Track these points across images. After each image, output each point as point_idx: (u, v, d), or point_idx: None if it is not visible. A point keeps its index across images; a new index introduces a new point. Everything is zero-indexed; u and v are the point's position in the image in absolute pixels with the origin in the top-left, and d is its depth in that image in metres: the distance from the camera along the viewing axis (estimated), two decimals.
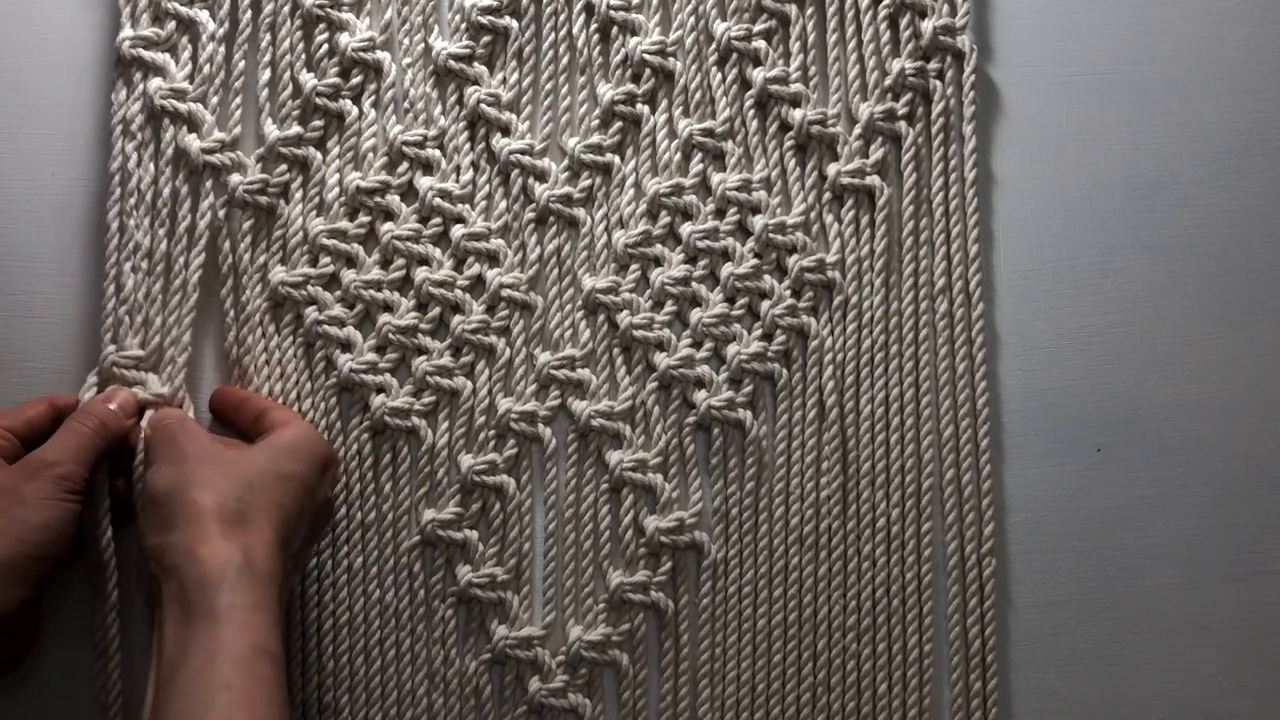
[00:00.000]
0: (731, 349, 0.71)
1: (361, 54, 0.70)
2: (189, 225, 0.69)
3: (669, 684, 0.70)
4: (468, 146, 0.71)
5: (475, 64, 0.71)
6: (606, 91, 0.71)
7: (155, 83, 0.69)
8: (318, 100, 0.70)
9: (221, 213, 0.69)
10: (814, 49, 0.72)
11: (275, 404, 0.68)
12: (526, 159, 0.71)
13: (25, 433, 0.64)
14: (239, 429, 0.67)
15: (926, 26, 0.72)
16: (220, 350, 0.69)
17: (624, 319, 0.71)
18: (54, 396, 0.66)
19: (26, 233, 0.69)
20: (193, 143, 0.69)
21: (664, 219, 0.71)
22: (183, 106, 0.69)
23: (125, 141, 0.69)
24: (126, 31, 0.69)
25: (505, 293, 0.70)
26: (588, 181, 0.71)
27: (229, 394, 0.68)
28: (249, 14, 0.70)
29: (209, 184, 0.69)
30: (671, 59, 0.72)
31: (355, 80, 0.70)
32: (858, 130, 0.72)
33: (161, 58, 0.69)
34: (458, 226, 0.70)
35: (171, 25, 0.70)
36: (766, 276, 0.71)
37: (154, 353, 0.68)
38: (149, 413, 0.66)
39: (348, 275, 0.70)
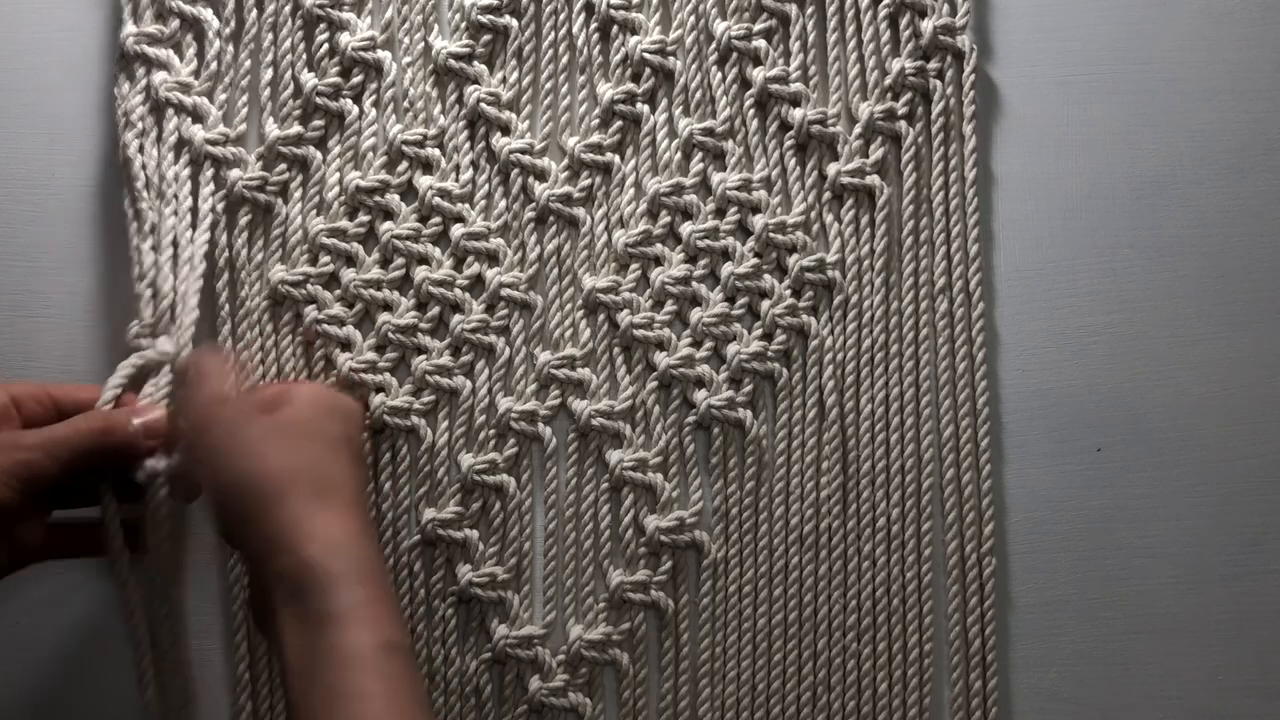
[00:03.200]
0: (731, 349, 0.71)
1: (362, 53, 0.70)
2: (191, 206, 0.69)
3: (669, 683, 0.70)
4: (467, 146, 0.71)
5: (475, 63, 0.71)
6: (606, 91, 0.71)
7: (160, 75, 0.69)
8: (318, 100, 0.70)
9: (220, 206, 0.69)
10: (814, 48, 0.72)
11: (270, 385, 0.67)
12: (526, 158, 0.71)
13: (28, 401, 0.62)
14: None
15: (926, 26, 0.72)
16: (217, 344, 0.69)
17: (624, 318, 0.71)
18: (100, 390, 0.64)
19: (28, 231, 0.69)
20: (197, 133, 0.69)
21: (664, 218, 0.71)
22: (187, 99, 0.69)
23: (128, 131, 0.68)
24: (130, 28, 0.69)
25: (505, 292, 0.70)
26: (588, 181, 0.71)
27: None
28: (253, 13, 0.70)
29: (209, 174, 0.69)
30: (671, 58, 0.72)
31: (356, 80, 0.70)
32: (858, 130, 0.72)
33: (165, 54, 0.69)
34: (457, 226, 0.70)
35: (175, 23, 0.70)
36: (766, 276, 0.71)
37: (162, 315, 0.67)
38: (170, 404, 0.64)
39: (347, 274, 0.70)
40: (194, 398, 0.62)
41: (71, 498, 0.62)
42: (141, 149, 0.69)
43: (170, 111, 0.69)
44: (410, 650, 0.54)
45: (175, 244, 0.68)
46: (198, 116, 0.69)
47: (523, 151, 0.71)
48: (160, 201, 0.68)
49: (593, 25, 0.72)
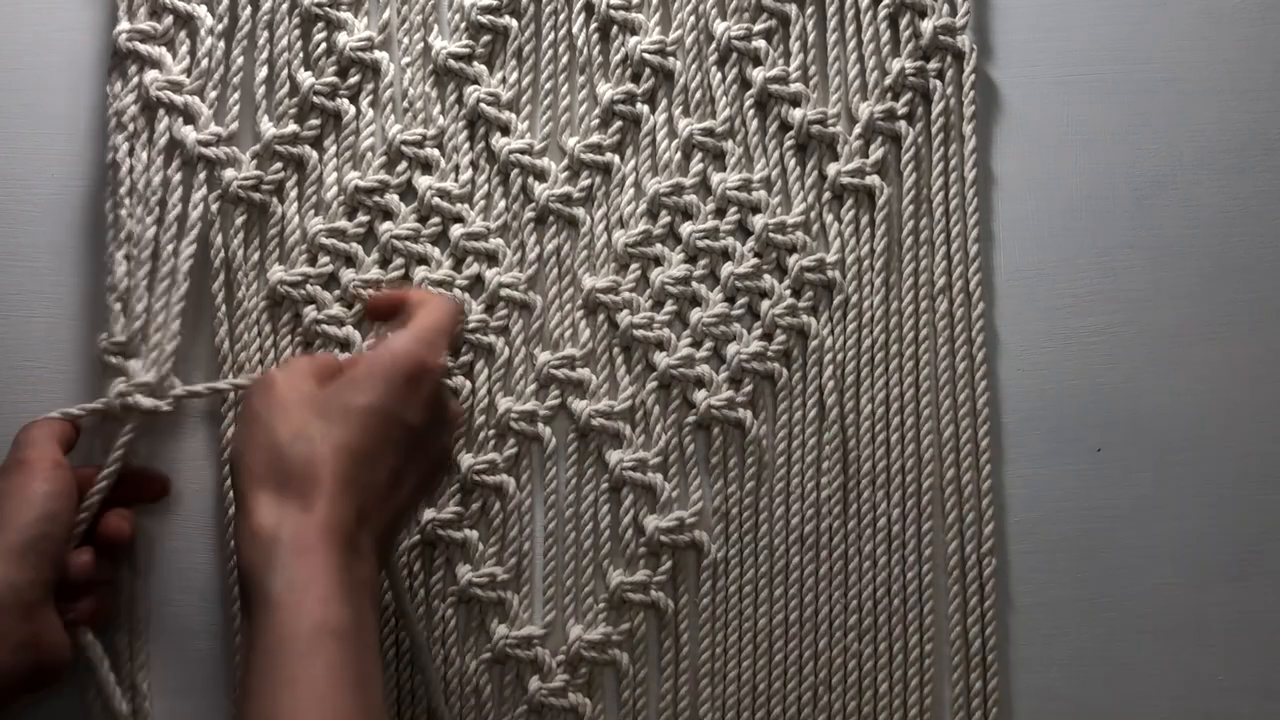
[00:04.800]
0: (731, 349, 0.71)
1: (359, 53, 0.70)
2: (179, 215, 0.69)
3: (669, 684, 0.70)
4: (467, 146, 0.71)
5: (475, 63, 0.71)
6: (606, 91, 0.71)
7: (152, 74, 0.69)
8: (315, 99, 0.70)
9: (214, 207, 0.69)
10: (814, 49, 0.72)
11: (414, 293, 0.64)
12: (526, 158, 0.71)
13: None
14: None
15: (926, 26, 0.72)
16: (212, 345, 0.69)
17: (624, 318, 0.71)
18: None
19: (25, 231, 0.69)
20: (189, 134, 0.69)
21: (664, 218, 0.71)
22: (179, 98, 0.69)
23: (118, 134, 0.68)
24: (124, 24, 0.69)
25: (504, 292, 0.70)
26: (587, 181, 0.71)
27: (382, 302, 0.66)
28: (247, 10, 0.70)
29: (202, 176, 0.69)
30: (671, 58, 0.72)
31: (353, 79, 0.70)
32: (858, 130, 0.72)
33: (158, 51, 0.69)
34: (457, 226, 0.70)
35: (169, 20, 0.70)
36: (766, 276, 0.71)
37: (135, 336, 0.67)
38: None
39: (347, 274, 0.70)
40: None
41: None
42: (131, 151, 0.68)
43: (161, 111, 0.69)
44: (351, 633, 0.52)
45: (155, 256, 0.68)
46: (189, 117, 0.69)
47: (522, 151, 0.71)
48: (144, 209, 0.68)
49: (593, 25, 0.72)
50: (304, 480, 0.54)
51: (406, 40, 0.71)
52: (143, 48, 0.69)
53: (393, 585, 0.66)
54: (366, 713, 0.51)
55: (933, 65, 0.72)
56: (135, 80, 0.69)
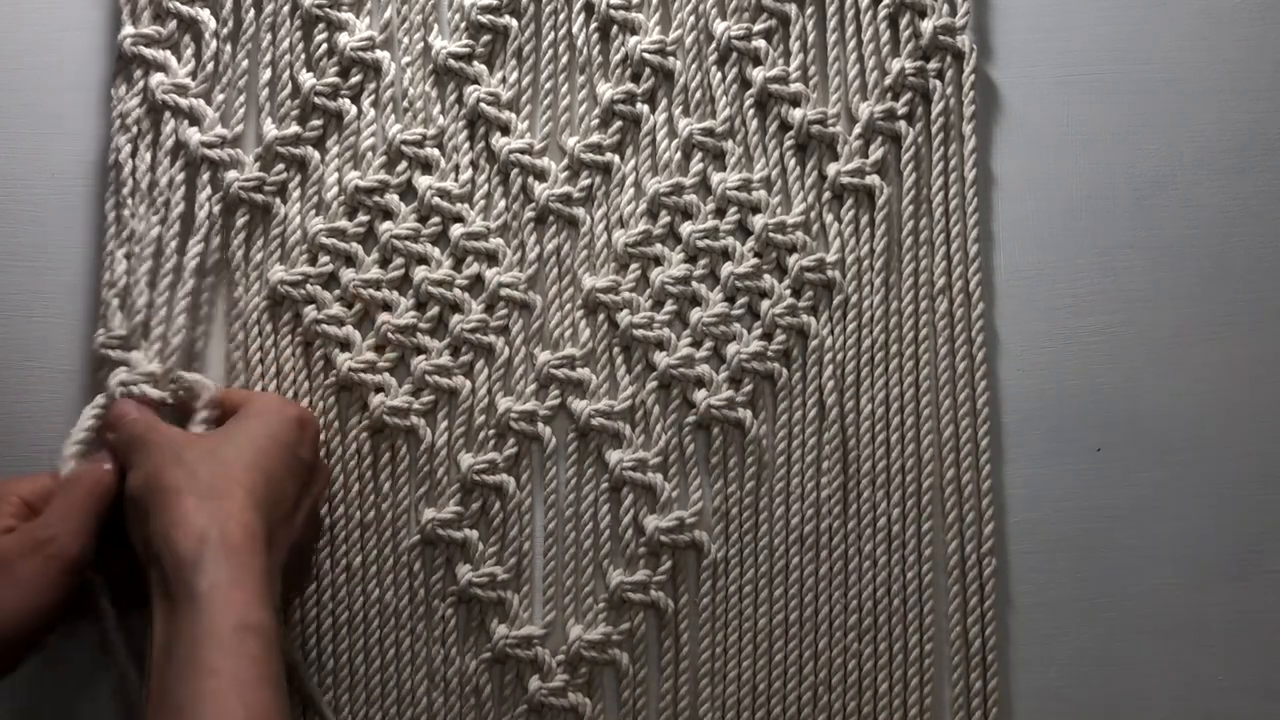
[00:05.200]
0: (731, 348, 0.71)
1: (360, 53, 0.70)
2: (182, 213, 0.69)
3: (669, 683, 0.70)
4: (467, 145, 0.71)
5: (475, 63, 0.71)
6: (606, 91, 0.71)
7: (158, 78, 0.69)
8: (316, 100, 0.70)
9: (217, 208, 0.69)
10: (814, 49, 0.72)
11: (239, 391, 0.67)
12: (526, 158, 0.71)
13: (38, 502, 0.62)
14: None
15: (926, 26, 0.72)
16: (221, 346, 0.69)
17: (624, 318, 0.71)
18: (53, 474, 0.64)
19: (26, 231, 0.69)
20: (193, 135, 0.69)
21: (664, 218, 0.71)
22: (184, 101, 0.69)
23: (121, 135, 0.69)
24: (128, 29, 0.69)
25: (504, 292, 0.70)
26: (587, 181, 0.71)
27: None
28: (250, 13, 0.70)
29: (205, 177, 0.69)
30: (671, 58, 0.72)
31: (354, 80, 0.70)
32: (858, 130, 0.72)
33: (163, 55, 0.69)
34: (457, 226, 0.70)
35: (173, 24, 0.70)
36: (766, 276, 0.71)
37: (136, 329, 0.67)
38: (97, 417, 0.65)
39: (347, 274, 0.70)
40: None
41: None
42: (134, 153, 0.69)
43: (167, 114, 0.69)
44: (272, 633, 0.55)
45: (159, 254, 0.68)
46: (194, 119, 0.69)
47: (522, 151, 0.71)
48: (148, 209, 0.68)
49: (592, 25, 0.72)
50: (222, 497, 0.57)
51: (407, 40, 0.71)
52: (147, 52, 0.69)
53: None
54: (281, 713, 0.53)
55: (933, 65, 0.72)
56: (140, 84, 0.69)
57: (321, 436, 0.68)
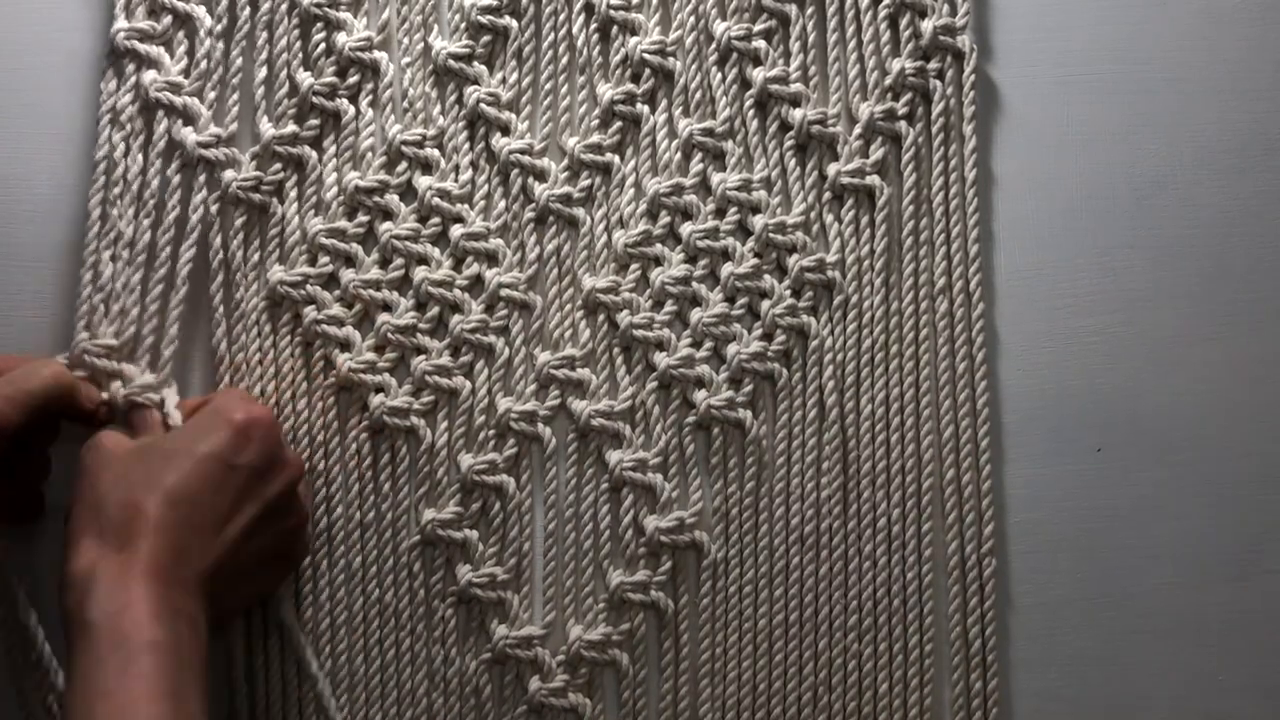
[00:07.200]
0: (731, 349, 0.71)
1: (358, 53, 0.70)
2: (178, 217, 0.68)
3: (669, 684, 0.70)
4: (467, 146, 0.71)
5: (475, 63, 0.71)
6: (606, 91, 0.71)
7: (150, 75, 0.69)
8: (314, 99, 0.70)
9: (214, 208, 0.69)
10: (814, 49, 0.72)
11: (199, 398, 0.67)
12: (526, 158, 0.71)
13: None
14: None
15: (926, 26, 0.72)
16: (209, 348, 0.69)
17: (624, 319, 0.71)
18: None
19: (25, 231, 0.69)
20: (189, 135, 0.69)
21: (664, 219, 0.71)
22: (178, 100, 0.69)
23: (113, 131, 0.68)
24: (121, 23, 0.69)
25: (504, 292, 0.70)
26: (587, 181, 0.71)
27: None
28: (246, 11, 0.70)
29: (201, 178, 0.69)
30: (671, 59, 0.72)
31: (352, 80, 0.70)
32: (858, 130, 0.72)
33: (156, 51, 0.69)
34: (457, 226, 0.70)
35: (167, 19, 0.69)
36: (766, 276, 0.71)
37: (128, 342, 0.67)
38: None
39: (346, 274, 0.70)
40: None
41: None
42: (127, 151, 0.68)
43: (160, 113, 0.69)
44: (167, 646, 0.55)
45: (151, 258, 0.68)
46: (188, 118, 0.69)
47: (522, 152, 0.71)
48: (136, 212, 0.68)
49: (592, 26, 0.72)
50: (122, 525, 0.58)
51: (406, 40, 0.71)
52: (141, 47, 0.69)
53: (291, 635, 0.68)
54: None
55: (933, 65, 0.72)
56: (132, 79, 0.69)
57: (318, 433, 0.68)
